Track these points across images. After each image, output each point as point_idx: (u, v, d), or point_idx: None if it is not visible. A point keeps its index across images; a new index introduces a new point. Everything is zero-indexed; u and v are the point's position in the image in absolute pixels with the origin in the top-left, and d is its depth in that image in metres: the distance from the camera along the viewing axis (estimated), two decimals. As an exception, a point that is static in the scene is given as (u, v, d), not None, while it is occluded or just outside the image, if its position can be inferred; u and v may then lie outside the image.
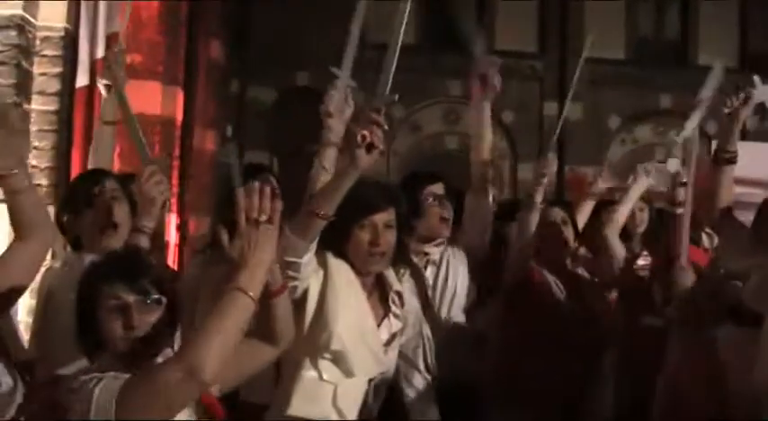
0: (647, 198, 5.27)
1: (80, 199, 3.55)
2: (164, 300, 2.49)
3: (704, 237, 5.56)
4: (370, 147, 2.84)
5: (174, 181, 7.34)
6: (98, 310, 2.45)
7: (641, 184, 4.84)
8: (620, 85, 15.91)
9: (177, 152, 7.59)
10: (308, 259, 2.99)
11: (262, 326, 2.61)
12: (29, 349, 3.53)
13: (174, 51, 7.40)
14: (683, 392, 3.88)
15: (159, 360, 2.47)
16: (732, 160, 3.55)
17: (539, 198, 4.20)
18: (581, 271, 4.65)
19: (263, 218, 2.35)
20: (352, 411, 3.19)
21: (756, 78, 3.41)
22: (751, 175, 6.35)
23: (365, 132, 2.82)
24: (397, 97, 2.97)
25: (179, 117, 7.59)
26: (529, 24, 17.07)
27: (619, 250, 4.71)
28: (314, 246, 2.97)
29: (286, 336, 2.70)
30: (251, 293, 2.31)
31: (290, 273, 2.93)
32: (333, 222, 3.01)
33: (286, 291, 2.66)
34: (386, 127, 2.87)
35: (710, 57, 15.01)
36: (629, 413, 4.45)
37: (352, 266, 3.24)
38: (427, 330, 3.80)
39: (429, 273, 4.23)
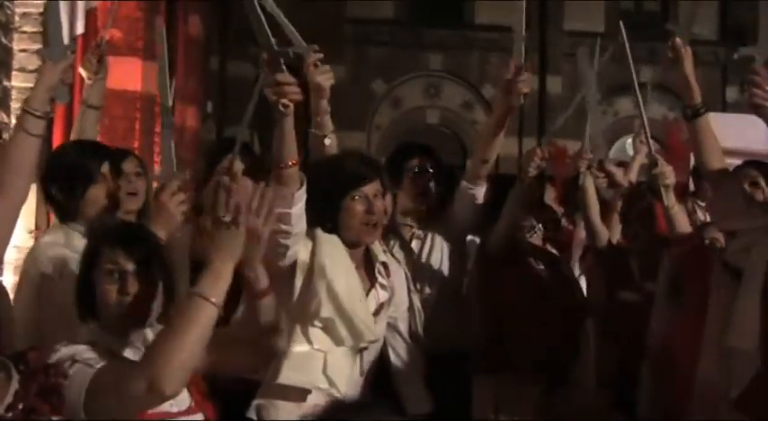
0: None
1: (83, 174, 3.49)
2: (162, 274, 2.51)
3: (697, 208, 5.61)
4: (286, 106, 2.88)
5: (156, 158, 7.32)
6: (96, 272, 2.47)
7: (642, 156, 4.90)
8: (600, 57, 15.91)
9: (158, 129, 7.56)
10: (299, 211, 3.01)
11: (251, 329, 2.62)
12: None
13: (153, 27, 7.36)
14: (675, 361, 3.93)
15: (148, 332, 2.50)
16: (698, 113, 3.56)
17: (533, 172, 4.23)
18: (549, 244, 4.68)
19: (227, 218, 2.34)
20: (342, 380, 3.23)
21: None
22: (733, 146, 6.39)
23: (273, 97, 2.86)
24: (315, 46, 2.98)
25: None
26: (510, -2, 17.06)
27: (600, 228, 4.76)
28: (301, 196, 3.00)
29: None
30: (213, 299, 2.26)
31: (283, 226, 2.97)
32: (323, 195, 3.05)
33: (272, 294, 2.66)
34: (290, 80, 2.86)
35: (679, 29, 15.01)
36: (612, 380, 4.51)
37: (343, 240, 3.28)
38: (417, 301, 3.84)
39: (415, 245, 4.28)
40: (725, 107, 15.57)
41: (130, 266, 2.46)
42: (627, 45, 4.14)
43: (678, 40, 3.55)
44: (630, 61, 4.16)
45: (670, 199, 4.04)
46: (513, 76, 3.79)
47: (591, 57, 4.65)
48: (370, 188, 3.31)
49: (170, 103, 3.56)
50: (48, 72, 3.02)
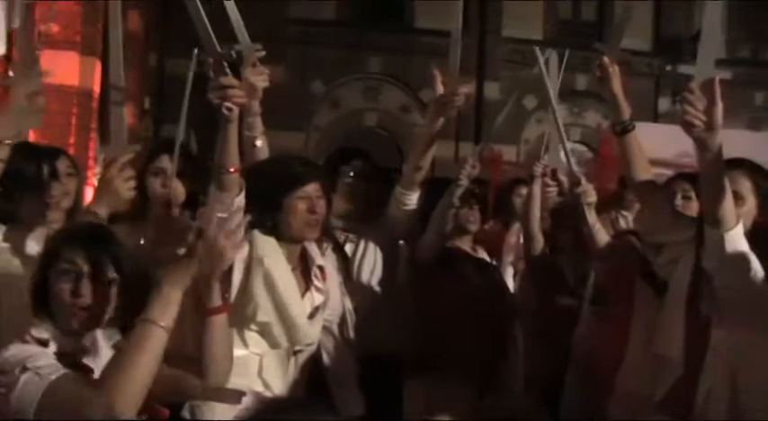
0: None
1: (23, 177, 3.45)
2: (118, 278, 2.51)
3: (620, 218, 5.71)
4: (230, 109, 2.88)
5: (92, 153, 7.24)
6: (52, 271, 2.47)
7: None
8: (536, 65, 16.09)
9: (94, 124, 7.49)
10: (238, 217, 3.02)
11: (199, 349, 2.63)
12: None
13: (91, 22, 7.29)
14: (598, 365, 4.01)
15: (99, 334, 2.50)
16: (626, 129, 3.65)
17: (464, 182, 4.27)
18: (480, 248, 4.73)
19: (182, 251, 2.38)
20: (278, 382, 3.25)
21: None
22: (663, 157, 6.53)
23: (217, 101, 2.85)
24: (259, 46, 2.97)
25: (96, 89, 7.48)
26: (449, 3, 17.15)
27: (538, 235, 4.83)
28: (241, 201, 3.00)
29: (221, 364, 2.71)
30: (162, 324, 2.32)
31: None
32: (264, 193, 3.07)
33: (226, 313, 2.67)
34: (235, 83, 2.88)
35: (625, 40, 15.30)
36: (541, 385, 4.58)
37: (280, 238, 3.29)
38: (349, 304, 3.87)
39: (349, 248, 4.29)
40: (657, 117, 15.87)
41: (86, 268, 2.46)
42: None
43: (605, 58, 3.64)
44: (560, 71, 4.23)
45: (592, 217, 4.13)
46: (451, 90, 3.85)
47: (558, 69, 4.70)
48: (313, 188, 3.35)
49: (122, 81, 3.53)
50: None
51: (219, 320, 2.65)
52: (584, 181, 4.19)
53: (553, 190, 4.62)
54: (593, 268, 4.33)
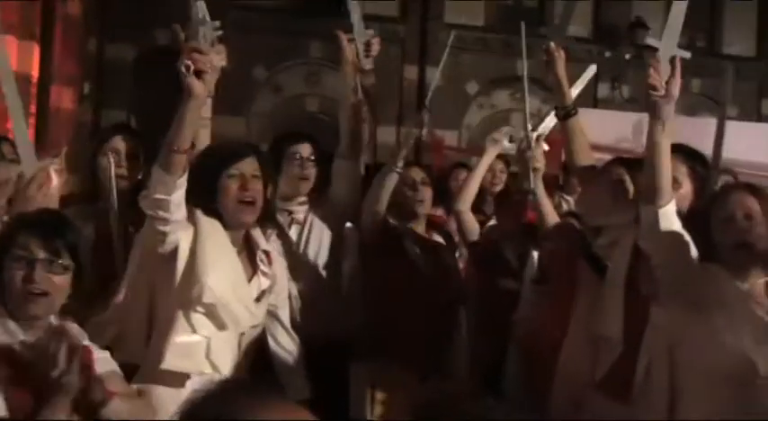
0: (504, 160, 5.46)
1: None
2: (72, 266, 2.49)
3: (562, 202, 5.79)
4: (199, 74, 2.87)
5: (31, 139, 7.13)
6: (5, 258, 2.45)
7: (489, 156, 5.03)
8: (479, 50, 16.19)
9: (33, 110, 7.38)
10: (178, 199, 3.01)
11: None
12: None
13: (29, 5, 7.16)
14: (541, 345, 4.07)
15: (53, 320, 2.49)
16: (569, 114, 3.72)
17: (400, 163, 4.29)
18: (437, 234, 4.76)
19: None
20: (226, 365, 3.25)
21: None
22: (601, 142, 6.62)
23: (188, 62, 2.86)
24: (218, 23, 2.99)
25: (35, 73, 7.37)
26: (392, -12, 17.14)
27: (472, 223, 4.87)
28: (182, 184, 2.99)
29: None
30: None
31: (161, 213, 2.97)
32: (200, 176, 3.06)
33: (116, 399, 2.61)
34: (205, 51, 2.90)
35: (553, 30, 15.40)
36: (484, 369, 4.63)
37: (222, 221, 3.29)
38: (294, 289, 3.88)
39: (294, 232, 4.30)
40: (596, 103, 16.03)
41: (41, 254, 2.44)
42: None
43: (552, 43, 3.70)
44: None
45: (537, 182, 4.17)
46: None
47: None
48: (245, 165, 3.33)
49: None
50: None
51: (115, 407, 2.57)
52: (534, 145, 4.24)
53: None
54: (536, 249, 4.39)
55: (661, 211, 2.97)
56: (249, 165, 3.33)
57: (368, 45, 4.10)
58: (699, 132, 6.30)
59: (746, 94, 19.19)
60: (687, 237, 3.06)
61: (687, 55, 3.01)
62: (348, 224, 4.54)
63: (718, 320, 3.02)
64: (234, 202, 3.30)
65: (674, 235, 3.03)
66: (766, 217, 3.06)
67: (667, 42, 3.03)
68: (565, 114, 3.73)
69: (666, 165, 2.99)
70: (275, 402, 1.52)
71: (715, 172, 4.75)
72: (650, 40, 3.04)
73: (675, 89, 2.98)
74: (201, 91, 2.91)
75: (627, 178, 3.83)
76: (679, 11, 3.08)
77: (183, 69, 2.87)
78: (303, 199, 4.37)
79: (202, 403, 1.54)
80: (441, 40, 16.61)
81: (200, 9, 3.06)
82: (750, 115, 17.69)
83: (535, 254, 4.57)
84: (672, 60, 2.99)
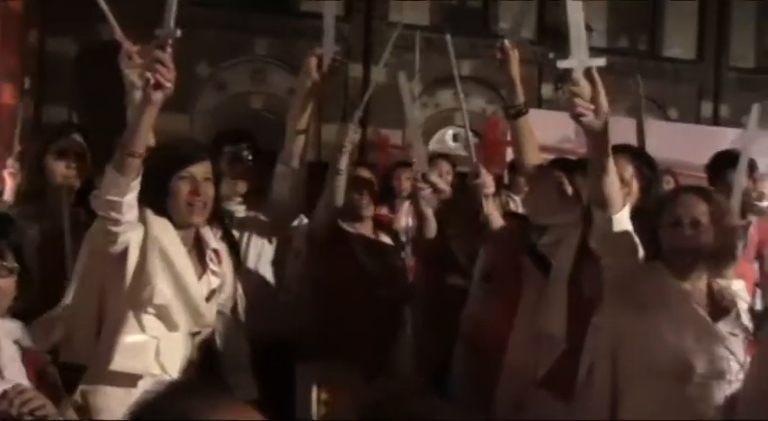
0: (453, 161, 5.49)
1: None
2: (16, 268, 2.45)
3: (509, 201, 5.84)
4: (157, 86, 2.85)
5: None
6: None
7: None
8: (423, 50, 16.25)
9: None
10: (130, 201, 2.98)
11: None
12: None
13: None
14: (487, 343, 4.10)
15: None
16: (520, 113, 3.74)
17: (343, 164, 4.28)
18: (384, 234, 4.77)
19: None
20: (175, 366, 3.23)
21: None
22: (546, 142, 6.69)
23: (149, 74, 2.84)
24: (179, 32, 2.91)
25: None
26: (336, -13, 17.13)
27: (431, 220, 4.89)
28: (135, 186, 2.97)
29: None
30: None
31: (113, 214, 2.94)
32: (152, 177, 3.03)
33: None
34: (169, 64, 2.87)
35: (506, 26, 15.58)
36: (431, 368, 4.65)
37: (172, 222, 3.26)
38: (240, 288, 3.86)
39: (236, 232, 4.28)
40: (540, 103, 16.20)
41: None
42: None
43: (507, 42, 3.71)
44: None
45: (489, 207, 4.20)
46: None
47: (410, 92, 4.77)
48: (198, 169, 3.30)
49: None
50: None
51: None
52: (483, 172, 4.26)
53: (426, 191, 4.66)
54: (483, 248, 4.42)
55: (615, 218, 2.99)
56: (201, 169, 3.31)
57: (333, 59, 4.08)
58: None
59: (686, 97, 19.52)
60: (636, 240, 3.10)
61: (602, 62, 2.88)
62: (295, 224, 4.53)
63: (660, 319, 3.07)
64: (184, 205, 3.28)
65: (626, 238, 3.07)
66: (713, 223, 3.11)
67: (578, 57, 2.87)
68: (516, 113, 3.76)
69: (612, 176, 2.99)
70: (224, 403, 1.52)
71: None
72: (561, 64, 2.93)
73: (602, 101, 2.83)
74: (160, 99, 2.89)
75: (565, 181, 3.87)
76: (577, 23, 2.96)
77: (144, 81, 2.85)
78: (244, 198, 4.37)
79: (152, 405, 1.53)
80: (385, 38, 16.69)
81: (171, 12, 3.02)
82: (689, 117, 17.96)
83: (483, 252, 4.60)
84: (588, 74, 2.83)
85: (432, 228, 4.75)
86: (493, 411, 3.89)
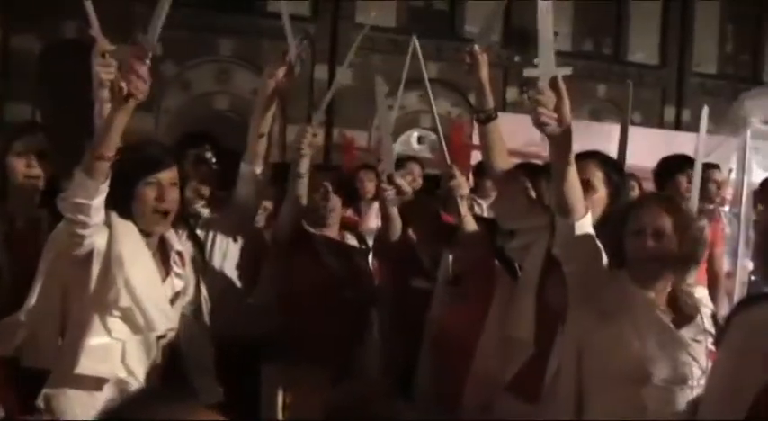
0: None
1: None
2: None
3: (475, 205, 5.86)
4: (129, 96, 2.85)
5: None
6: None
7: None
8: (389, 52, 16.29)
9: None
10: (98, 204, 2.97)
11: None
12: None
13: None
14: (454, 347, 4.11)
15: None
16: (490, 117, 3.75)
17: (303, 168, 4.27)
18: (351, 236, 4.76)
19: None
20: (140, 369, 3.21)
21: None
22: (511, 146, 6.70)
23: (123, 84, 2.83)
24: (159, 48, 2.93)
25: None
26: (302, -13, 17.11)
27: (396, 221, 4.90)
28: (104, 190, 2.95)
29: None
30: None
31: (81, 216, 2.93)
32: (119, 180, 3.02)
33: None
34: (146, 78, 2.87)
35: (474, 30, 15.64)
36: (397, 370, 4.66)
37: (137, 226, 3.25)
38: (204, 290, 3.84)
39: (200, 234, 4.27)
40: (504, 107, 16.28)
41: None
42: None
43: (477, 46, 3.71)
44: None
45: (464, 208, 4.21)
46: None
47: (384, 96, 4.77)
48: (165, 175, 3.29)
49: None
50: None
51: None
52: (457, 174, 4.26)
53: (391, 192, 4.66)
54: (451, 252, 4.43)
55: (577, 224, 3.00)
56: (168, 174, 3.30)
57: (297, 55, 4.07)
58: (604, 137, 6.43)
59: (649, 101, 19.72)
60: (599, 246, 3.11)
61: (567, 71, 2.87)
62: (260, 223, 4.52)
63: (624, 326, 3.09)
64: (149, 211, 3.27)
65: (588, 245, 3.07)
66: (677, 232, 3.12)
67: (544, 66, 2.84)
68: (485, 118, 3.76)
69: (574, 183, 2.99)
70: (191, 407, 1.52)
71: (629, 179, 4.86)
72: (528, 72, 2.92)
73: (566, 111, 2.80)
74: (131, 107, 2.89)
75: (529, 186, 3.88)
76: (546, 32, 2.94)
77: (117, 90, 2.84)
78: (205, 202, 4.36)
79: (120, 410, 1.53)
80: (351, 40, 16.71)
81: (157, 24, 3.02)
82: (653, 121, 18.13)
83: (449, 255, 4.61)
84: (554, 82, 2.80)
85: (396, 230, 4.76)
86: (459, 414, 3.89)
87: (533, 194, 3.83)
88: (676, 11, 20.04)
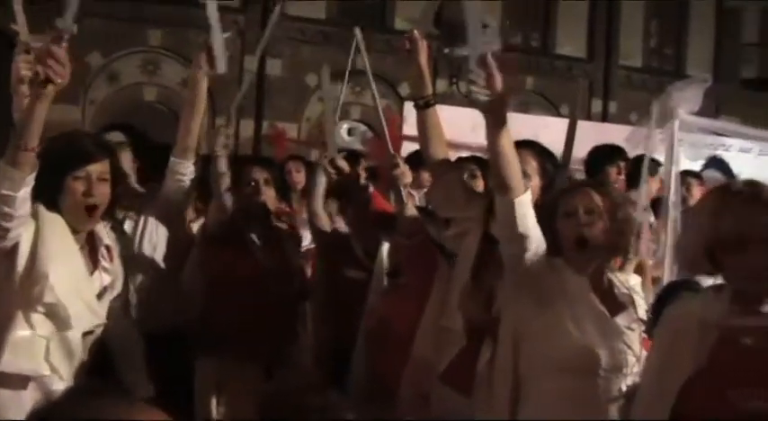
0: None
1: None
2: None
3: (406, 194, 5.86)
4: (47, 82, 2.79)
5: None
6: None
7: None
8: (319, 43, 16.24)
9: None
10: (24, 196, 2.91)
11: None
12: None
13: None
14: (391, 336, 4.13)
15: None
16: (429, 104, 3.76)
17: (223, 167, 4.24)
18: (283, 228, 4.75)
19: None
20: (66, 366, 3.15)
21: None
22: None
23: (40, 68, 2.78)
24: (75, 28, 2.86)
25: None
26: (231, -22, 16.96)
27: (321, 213, 4.90)
28: (30, 181, 2.89)
29: None
30: None
31: (5, 208, 2.86)
32: (47, 172, 2.96)
33: None
34: (62, 60, 2.81)
35: (407, 23, 15.69)
36: (331, 362, 4.66)
37: (65, 219, 3.18)
38: (131, 284, 3.80)
39: (128, 227, 4.22)
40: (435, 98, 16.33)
41: None
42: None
43: (416, 32, 3.72)
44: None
45: (406, 196, 4.22)
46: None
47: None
48: (96, 168, 3.22)
49: None
50: None
51: None
52: (401, 163, 4.27)
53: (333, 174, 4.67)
54: (389, 241, 4.44)
55: (517, 201, 3.02)
56: (98, 168, 3.22)
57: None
58: (532, 129, 6.49)
59: (577, 94, 19.91)
60: (539, 231, 3.14)
61: (496, 47, 2.93)
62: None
63: (562, 314, 3.12)
64: (77, 205, 3.19)
65: (529, 221, 3.09)
66: (608, 213, 3.17)
67: (473, 44, 2.92)
68: (424, 104, 3.77)
69: (513, 158, 3.02)
70: (124, 404, 1.49)
71: (564, 170, 4.91)
72: (459, 51, 2.98)
73: (497, 84, 2.88)
74: (51, 92, 2.82)
75: (476, 173, 3.91)
76: (473, 12, 2.99)
77: (34, 76, 2.78)
78: (134, 193, 4.32)
79: (51, 410, 1.49)
80: (282, 31, 16.63)
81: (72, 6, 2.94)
82: (580, 114, 18.31)
83: (386, 246, 4.63)
84: (482, 59, 2.88)
85: (322, 223, 4.79)
86: (394, 404, 3.91)
87: (482, 184, 3.86)
88: (602, 6, 20.33)
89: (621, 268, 3.57)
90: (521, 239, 3.08)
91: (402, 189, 4.21)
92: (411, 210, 4.23)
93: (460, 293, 3.58)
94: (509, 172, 3.01)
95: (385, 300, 4.35)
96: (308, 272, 5.08)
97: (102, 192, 3.23)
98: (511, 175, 3.01)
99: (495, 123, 2.95)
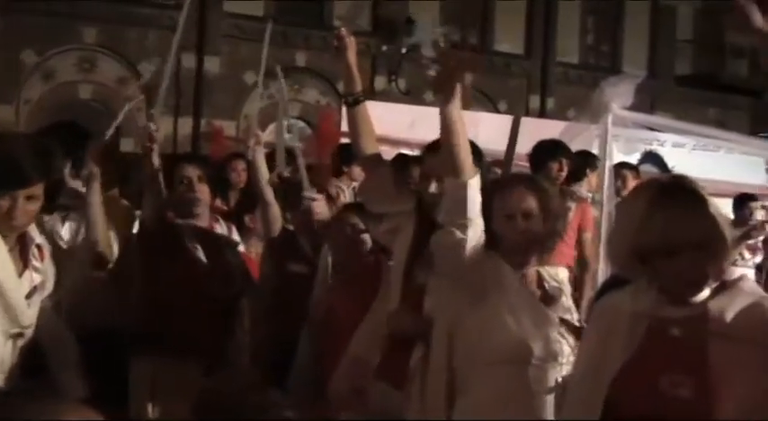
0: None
1: None
2: None
3: (339, 192, 5.89)
4: None
5: None
6: None
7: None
8: (257, 41, 16.17)
9: None
10: None
11: None
12: None
13: None
14: (333, 332, 4.13)
15: None
16: (358, 100, 3.80)
17: (156, 162, 4.20)
18: (220, 226, 4.72)
19: None
20: None
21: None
22: (378, 133, 6.76)
23: None
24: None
25: None
26: (168, -26, 16.82)
27: (277, 218, 4.89)
28: None
29: None
30: None
31: None
32: None
33: None
34: None
35: (343, 21, 15.69)
36: (273, 360, 4.65)
37: None
38: (68, 283, 3.75)
39: (68, 227, 4.19)
40: (374, 95, 16.37)
41: None
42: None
43: (344, 30, 3.75)
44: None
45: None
46: None
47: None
48: (25, 192, 3.07)
49: None
50: None
51: None
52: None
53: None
54: (327, 241, 4.46)
55: (470, 183, 3.08)
56: (29, 191, 3.07)
57: None
58: (471, 125, 6.53)
59: (515, 90, 20.18)
60: (482, 220, 3.19)
61: (443, 31, 3.10)
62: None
63: (499, 306, 3.16)
64: (4, 221, 3.08)
65: (476, 212, 3.15)
66: (543, 212, 3.23)
67: (421, 32, 3.15)
68: (353, 101, 3.79)
69: (464, 141, 3.09)
70: (58, 405, 1.48)
71: (508, 167, 4.97)
72: (410, 40, 3.12)
73: (445, 61, 3.05)
74: None
75: (413, 169, 3.95)
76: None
77: None
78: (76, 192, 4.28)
79: None
80: (219, 28, 16.53)
81: None
82: (518, 109, 18.51)
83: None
84: (434, 44, 3.05)
85: (275, 212, 4.78)
86: (329, 397, 3.92)
87: (416, 174, 3.89)
88: (540, 3, 20.56)
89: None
90: (468, 224, 3.13)
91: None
92: (320, 206, 4.26)
93: (388, 317, 3.62)
94: (462, 153, 3.07)
95: (330, 295, 4.36)
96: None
97: (27, 212, 3.10)
98: (464, 157, 3.07)
99: (445, 99, 3.03)
